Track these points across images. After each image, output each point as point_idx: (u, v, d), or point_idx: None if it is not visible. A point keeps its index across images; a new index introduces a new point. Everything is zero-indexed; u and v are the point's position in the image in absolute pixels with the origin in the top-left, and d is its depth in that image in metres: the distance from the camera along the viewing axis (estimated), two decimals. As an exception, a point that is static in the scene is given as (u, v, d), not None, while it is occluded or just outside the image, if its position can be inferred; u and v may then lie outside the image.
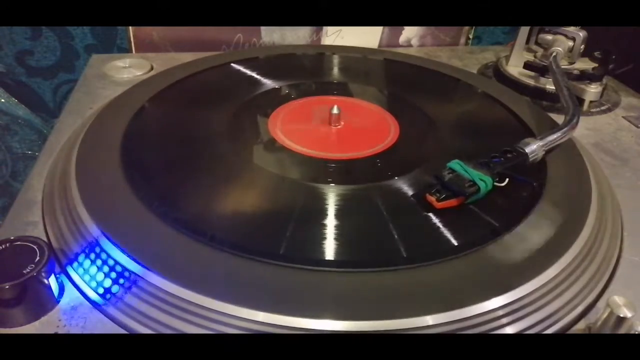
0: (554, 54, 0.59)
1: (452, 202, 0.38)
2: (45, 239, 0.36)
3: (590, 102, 0.60)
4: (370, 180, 0.42)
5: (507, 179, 0.41)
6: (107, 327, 0.32)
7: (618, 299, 0.30)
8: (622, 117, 0.59)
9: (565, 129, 0.46)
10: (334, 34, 0.77)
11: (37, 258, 0.31)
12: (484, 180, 0.38)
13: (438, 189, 0.38)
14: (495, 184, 0.39)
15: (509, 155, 0.42)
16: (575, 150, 0.48)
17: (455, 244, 0.35)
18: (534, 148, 0.43)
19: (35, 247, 0.32)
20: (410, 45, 0.80)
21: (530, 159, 0.42)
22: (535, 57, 0.64)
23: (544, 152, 0.44)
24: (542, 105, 0.60)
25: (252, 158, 0.46)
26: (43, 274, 0.31)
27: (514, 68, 0.65)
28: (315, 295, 0.31)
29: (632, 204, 0.45)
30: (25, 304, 0.31)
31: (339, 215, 0.38)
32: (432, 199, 0.38)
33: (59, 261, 0.35)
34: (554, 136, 0.45)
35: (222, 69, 0.61)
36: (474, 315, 0.31)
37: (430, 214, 0.38)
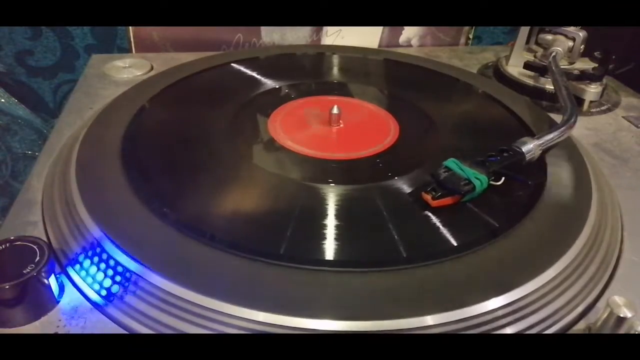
0: (553, 53, 0.59)
1: (447, 201, 0.38)
2: (45, 239, 0.36)
3: (590, 102, 0.60)
4: (370, 180, 0.42)
5: (503, 178, 0.41)
6: (107, 327, 0.32)
7: (618, 299, 0.30)
8: (622, 117, 0.59)
9: (563, 128, 0.46)
10: (334, 34, 0.77)
11: (37, 258, 0.31)
12: (479, 179, 0.38)
13: (434, 187, 0.38)
14: (491, 182, 0.39)
15: (505, 154, 0.42)
16: (575, 150, 0.48)
17: (455, 244, 0.35)
18: (530, 147, 0.43)
19: (35, 247, 0.32)
20: (410, 45, 0.80)
21: (527, 158, 0.42)
22: (535, 57, 0.64)
23: (541, 152, 0.44)
24: (542, 105, 0.60)
25: (252, 158, 0.45)
26: (43, 274, 0.31)
27: (514, 68, 0.65)
28: (315, 295, 0.31)
29: (632, 204, 0.45)
30: (25, 304, 0.31)
31: (339, 215, 0.38)
32: (427, 197, 0.38)
33: (59, 261, 0.35)
34: (551, 135, 0.45)
35: (222, 69, 0.61)
36: (473, 316, 0.31)
37: (431, 214, 0.38)
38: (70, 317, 0.32)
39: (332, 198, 0.40)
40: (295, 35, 0.77)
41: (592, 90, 0.58)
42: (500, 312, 0.31)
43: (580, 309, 0.34)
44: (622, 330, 0.30)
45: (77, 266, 0.34)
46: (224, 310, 0.30)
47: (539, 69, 0.61)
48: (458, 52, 0.77)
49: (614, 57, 0.59)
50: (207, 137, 0.47)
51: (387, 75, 0.65)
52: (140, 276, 0.32)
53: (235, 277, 0.32)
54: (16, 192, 0.49)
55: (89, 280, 0.33)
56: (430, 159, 0.44)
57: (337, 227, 0.37)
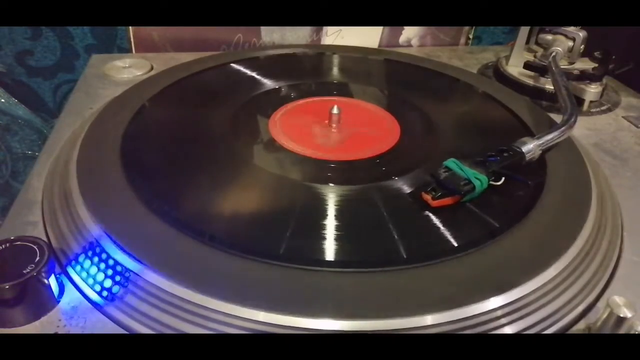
0: (553, 54, 0.59)
1: (447, 201, 0.38)
2: (45, 239, 0.36)
3: (590, 102, 0.60)
4: (370, 181, 0.42)
5: (503, 178, 0.41)
6: (107, 327, 0.32)
7: (618, 299, 0.30)
8: (622, 117, 0.59)
9: (563, 128, 0.46)
10: (334, 34, 0.77)
11: (37, 258, 0.31)
12: (479, 179, 0.38)
13: (434, 187, 0.38)
14: (491, 182, 0.39)
15: (505, 154, 0.42)
16: (575, 150, 0.48)
17: (455, 244, 0.35)
18: (530, 147, 0.43)
19: (35, 247, 0.32)
20: (410, 45, 0.80)
21: (527, 158, 0.42)
22: (535, 57, 0.64)
23: (541, 152, 0.44)
24: (542, 105, 0.60)
25: (252, 158, 0.46)
26: (43, 274, 0.31)
27: (514, 68, 0.65)
28: (315, 295, 0.31)
29: (632, 204, 0.45)
30: (25, 304, 0.31)
31: (339, 215, 0.38)
32: (427, 197, 0.38)
33: (59, 261, 0.35)
34: (551, 135, 0.45)
35: (222, 69, 0.61)
36: (473, 315, 0.31)
37: (430, 214, 0.38)
38: (70, 317, 0.32)
39: (332, 198, 0.40)
40: (295, 35, 0.77)
41: (592, 90, 0.59)
42: (500, 312, 0.31)
43: (580, 309, 0.34)
44: (622, 330, 0.30)
45: (77, 266, 0.34)
46: (224, 310, 0.30)
47: (539, 69, 0.61)
48: (458, 52, 0.77)
49: (614, 57, 0.59)
50: (207, 137, 0.47)
51: (387, 76, 0.65)
52: (140, 276, 0.32)
53: (235, 277, 0.32)
54: (16, 192, 0.49)
55: (89, 280, 0.33)
56: (430, 159, 0.44)
57: (337, 227, 0.37)
